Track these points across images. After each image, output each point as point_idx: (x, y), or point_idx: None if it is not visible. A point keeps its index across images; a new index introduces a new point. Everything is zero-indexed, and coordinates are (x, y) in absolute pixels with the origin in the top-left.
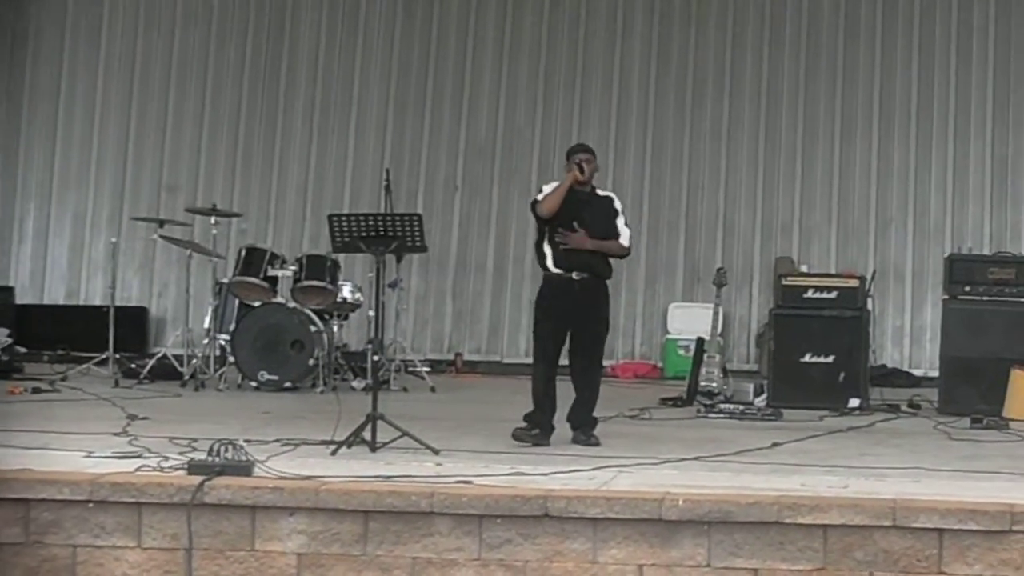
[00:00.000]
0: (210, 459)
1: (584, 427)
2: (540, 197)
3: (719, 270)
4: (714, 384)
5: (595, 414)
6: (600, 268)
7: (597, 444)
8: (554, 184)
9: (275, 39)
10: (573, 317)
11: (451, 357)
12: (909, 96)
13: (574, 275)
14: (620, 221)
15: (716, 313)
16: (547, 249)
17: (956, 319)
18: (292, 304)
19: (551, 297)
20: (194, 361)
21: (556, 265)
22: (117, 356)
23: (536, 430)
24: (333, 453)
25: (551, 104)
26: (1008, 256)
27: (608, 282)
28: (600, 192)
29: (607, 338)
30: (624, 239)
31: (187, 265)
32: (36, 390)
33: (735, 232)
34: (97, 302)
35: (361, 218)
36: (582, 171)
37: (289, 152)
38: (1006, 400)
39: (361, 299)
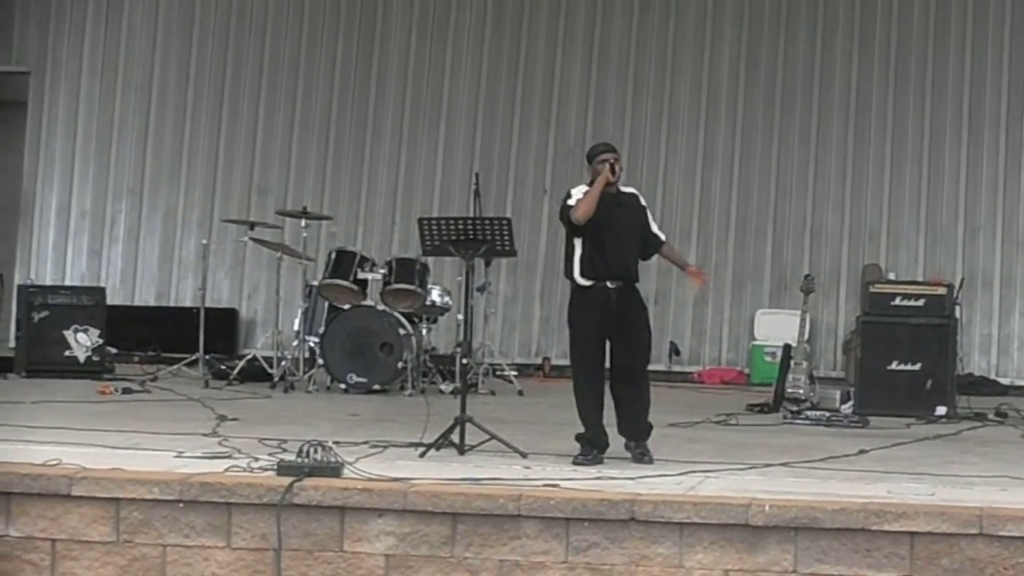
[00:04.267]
0: (299, 460)
1: (638, 438)
2: (572, 203)
3: (806, 277)
4: (801, 391)
5: (655, 423)
6: (636, 273)
7: (650, 462)
8: (582, 188)
9: (365, 43)
10: (612, 328)
11: (539, 361)
12: (999, 102)
13: (609, 284)
14: (651, 219)
15: (803, 320)
16: (577, 258)
17: None
18: (381, 307)
19: (588, 309)
20: (283, 363)
21: (590, 275)
22: (207, 357)
23: (593, 451)
24: (422, 455)
25: (639, 109)
26: None
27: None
28: (624, 189)
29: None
30: (664, 238)
31: (277, 267)
32: (127, 390)
33: (823, 238)
34: (187, 303)
35: (451, 222)
36: (613, 171)
37: (379, 155)
38: None
39: (450, 303)
